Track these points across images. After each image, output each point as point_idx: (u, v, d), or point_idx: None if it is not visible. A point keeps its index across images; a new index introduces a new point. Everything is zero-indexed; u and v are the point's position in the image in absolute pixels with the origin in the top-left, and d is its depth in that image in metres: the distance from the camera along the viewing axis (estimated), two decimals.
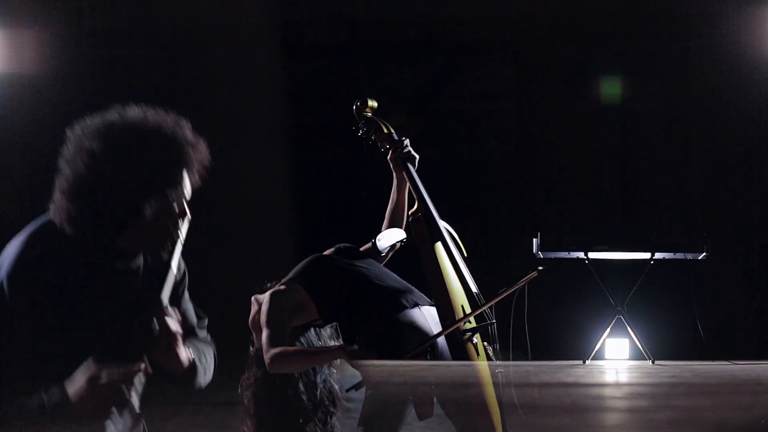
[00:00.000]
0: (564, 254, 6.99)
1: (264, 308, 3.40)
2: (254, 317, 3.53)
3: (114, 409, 2.29)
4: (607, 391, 6.02)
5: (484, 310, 3.36)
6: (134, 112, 2.40)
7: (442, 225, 3.58)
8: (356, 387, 3.28)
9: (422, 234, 3.50)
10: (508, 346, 3.44)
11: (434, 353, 3.27)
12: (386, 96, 8.08)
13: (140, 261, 2.45)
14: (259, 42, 7.93)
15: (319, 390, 3.48)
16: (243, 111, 7.88)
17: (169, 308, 2.35)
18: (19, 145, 7.11)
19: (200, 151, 2.47)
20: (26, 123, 7.16)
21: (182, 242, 2.45)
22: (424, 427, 3.41)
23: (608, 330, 6.96)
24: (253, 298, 3.57)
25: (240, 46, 7.90)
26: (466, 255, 3.60)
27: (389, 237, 3.68)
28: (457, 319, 3.27)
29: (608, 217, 8.14)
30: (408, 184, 3.69)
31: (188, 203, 2.45)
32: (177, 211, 2.41)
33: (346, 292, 3.45)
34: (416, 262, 3.47)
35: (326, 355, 3.35)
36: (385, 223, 3.74)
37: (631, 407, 5.36)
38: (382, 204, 3.78)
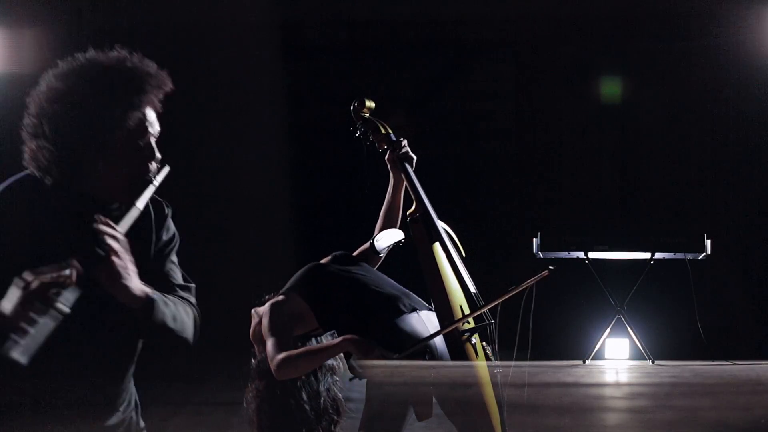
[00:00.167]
0: (564, 254, 6.99)
1: (265, 319, 3.40)
2: (254, 330, 3.53)
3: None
4: (607, 391, 6.02)
5: (484, 311, 3.36)
6: (96, 52, 2.46)
7: (441, 225, 3.58)
8: (359, 376, 3.26)
9: (420, 234, 3.50)
10: (512, 345, 3.43)
11: (433, 355, 3.27)
12: (386, 96, 8.12)
13: (117, 212, 2.44)
14: (259, 42, 7.93)
15: (322, 398, 3.47)
16: (243, 111, 7.88)
17: (117, 230, 2.32)
18: (20, 145, 7.11)
19: (160, 80, 2.49)
20: None
21: (155, 186, 2.46)
22: (424, 427, 3.41)
23: (608, 330, 6.97)
24: (252, 311, 3.56)
25: (240, 46, 7.90)
26: (464, 255, 3.59)
27: (388, 237, 3.68)
28: (455, 319, 3.27)
29: (608, 217, 8.14)
30: (405, 184, 3.69)
31: (158, 145, 2.47)
32: (142, 145, 2.44)
33: (344, 300, 3.44)
34: (414, 264, 3.46)
35: (332, 348, 3.32)
36: (379, 222, 3.74)
37: (631, 407, 5.36)
38: (381, 204, 3.78)
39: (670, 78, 8.12)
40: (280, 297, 3.47)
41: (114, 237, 2.30)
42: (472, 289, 3.48)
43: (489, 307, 3.30)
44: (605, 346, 7.05)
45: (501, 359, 3.41)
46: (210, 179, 7.71)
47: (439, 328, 3.30)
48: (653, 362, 6.84)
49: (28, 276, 2.18)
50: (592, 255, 6.98)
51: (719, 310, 7.69)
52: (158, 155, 2.48)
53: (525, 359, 3.41)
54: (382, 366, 3.19)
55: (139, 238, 2.45)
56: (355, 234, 3.86)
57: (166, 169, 2.50)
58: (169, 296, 2.47)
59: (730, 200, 8.04)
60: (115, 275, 2.29)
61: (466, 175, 8.31)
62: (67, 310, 2.20)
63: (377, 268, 3.71)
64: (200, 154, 7.59)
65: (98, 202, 2.42)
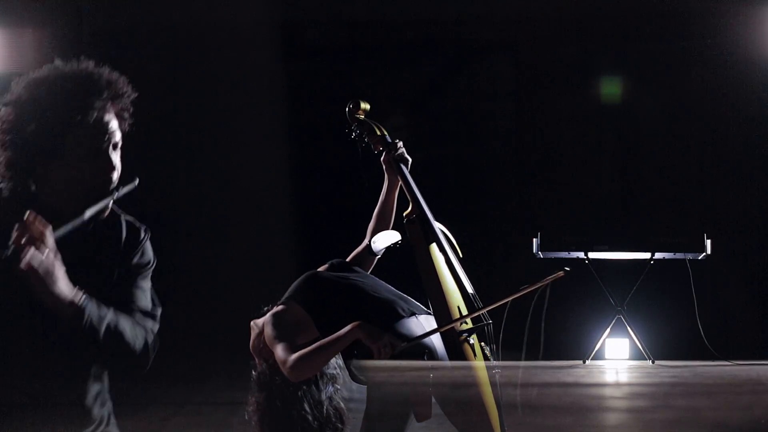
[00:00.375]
0: (564, 254, 6.99)
1: (268, 329, 3.39)
2: (254, 342, 3.52)
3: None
4: (607, 391, 6.02)
5: (483, 312, 3.36)
6: (59, 61, 2.45)
7: (437, 226, 3.58)
8: (361, 381, 3.26)
9: (417, 235, 3.50)
10: (517, 345, 3.43)
11: (433, 356, 3.27)
12: (386, 96, 8.11)
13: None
14: (259, 42, 7.93)
15: (325, 408, 3.46)
16: (243, 111, 7.88)
17: (47, 227, 2.22)
18: None
19: (118, 87, 2.44)
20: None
21: (113, 198, 2.39)
22: (424, 427, 3.41)
23: (608, 330, 6.96)
24: (252, 323, 3.55)
25: (240, 46, 7.90)
26: (461, 256, 3.59)
27: (385, 239, 3.67)
28: (453, 320, 3.27)
29: (608, 217, 8.13)
30: (399, 186, 3.69)
31: (120, 157, 2.41)
32: (97, 153, 2.37)
33: (343, 306, 3.43)
34: (411, 265, 3.46)
35: (343, 337, 3.29)
36: (372, 223, 3.73)
37: (631, 407, 5.36)
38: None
39: (670, 78, 8.12)
40: (280, 307, 3.47)
41: (41, 232, 2.19)
42: (470, 289, 3.48)
43: (498, 305, 3.29)
44: (605, 346, 7.05)
45: (509, 359, 3.41)
46: (210, 179, 7.71)
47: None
48: (653, 362, 6.84)
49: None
50: (592, 255, 6.97)
51: (719, 310, 7.69)
52: (116, 164, 2.40)
53: (537, 359, 3.41)
54: (381, 367, 3.19)
55: (103, 258, 2.40)
56: (355, 235, 3.86)
57: (133, 184, 2.42)
58: (121, 315, 2.37)
59: (730, 200, 8.04)
60: (37, 274, 2.19)
61: (466, 175, 8.31)
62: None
63: (371, 271, 3.71)
64: (200, 154, 7.60)
65: (53, 211, 2.31)
